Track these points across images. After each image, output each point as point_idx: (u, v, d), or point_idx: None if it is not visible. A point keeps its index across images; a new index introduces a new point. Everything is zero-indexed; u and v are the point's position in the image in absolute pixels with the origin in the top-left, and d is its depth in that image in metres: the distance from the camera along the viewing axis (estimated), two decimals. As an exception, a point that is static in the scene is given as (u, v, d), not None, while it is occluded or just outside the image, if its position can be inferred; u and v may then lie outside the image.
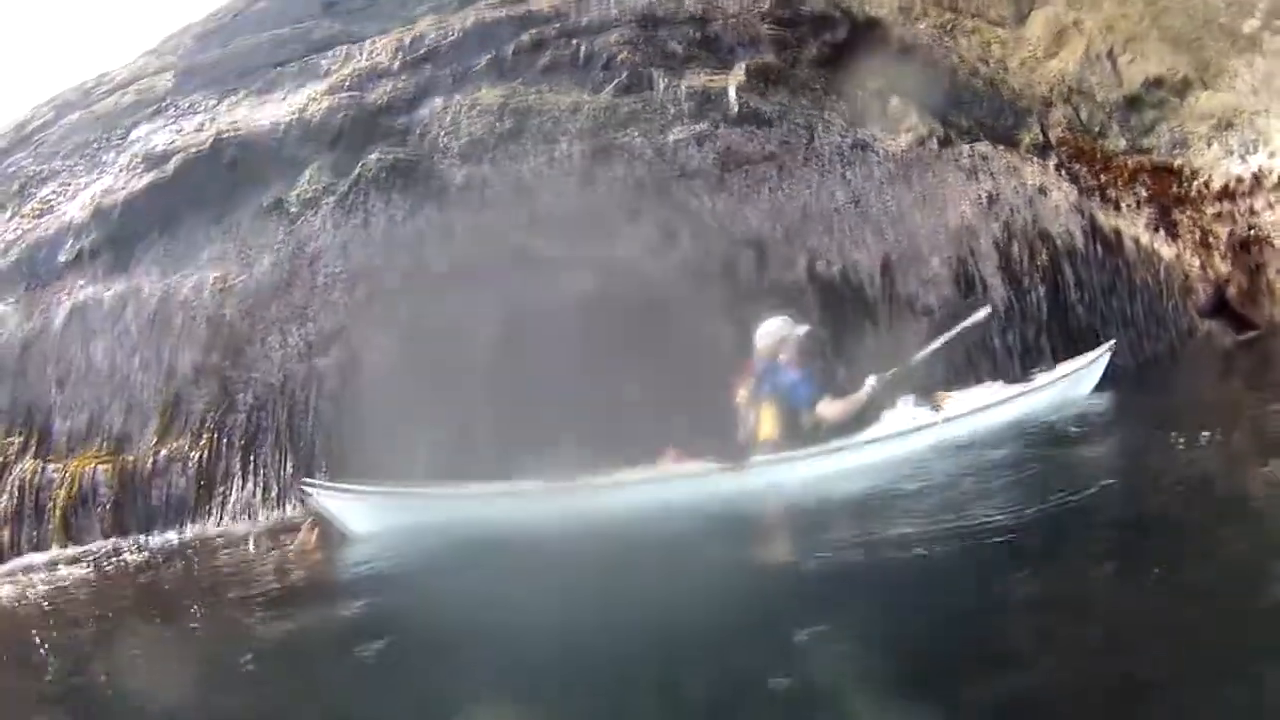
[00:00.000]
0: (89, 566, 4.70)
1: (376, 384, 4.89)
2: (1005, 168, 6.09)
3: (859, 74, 6.09)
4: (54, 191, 7.38)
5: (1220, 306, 7.29)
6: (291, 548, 4.20)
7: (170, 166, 6.25)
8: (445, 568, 3.39)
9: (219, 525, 4.94)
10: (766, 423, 4.25)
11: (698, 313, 4.87)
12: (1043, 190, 6.20)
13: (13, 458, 5.82)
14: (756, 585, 2.55)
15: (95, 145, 7.43)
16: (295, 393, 5.05)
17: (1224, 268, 7.14)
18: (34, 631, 3.37)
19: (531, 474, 4.34)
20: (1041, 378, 4.78)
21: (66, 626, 3.51)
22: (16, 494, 5.58)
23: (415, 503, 3.92)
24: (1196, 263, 7.06)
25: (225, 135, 6.17)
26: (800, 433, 4.22)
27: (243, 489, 4.88)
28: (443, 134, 5.43)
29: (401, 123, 5.60)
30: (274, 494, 4.78)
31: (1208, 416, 3.91)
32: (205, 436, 5.16)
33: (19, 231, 7.13)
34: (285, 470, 4.84)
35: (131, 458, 5.25)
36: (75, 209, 6.81)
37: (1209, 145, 7.26)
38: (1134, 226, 6.82)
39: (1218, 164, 7.21)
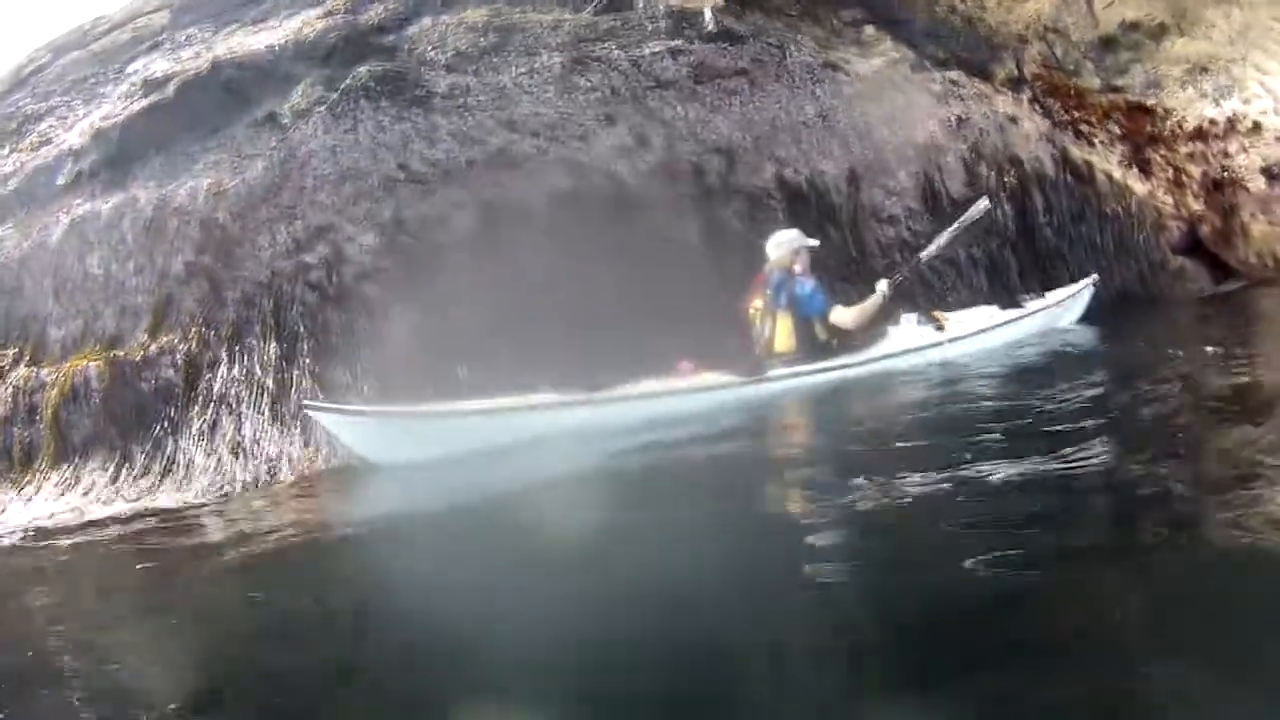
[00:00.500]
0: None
1: (359, 276, 5.27)
2: (976, 94, 6.48)
3: (834, 2, 6.51)
4: (51, 125, 7.84)
5: (1194, 245, 7.64)
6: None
7: (170, 89, 6.68)
8: (464, 519, 3.05)
9: (204, 414, 5.31)
10: (782, 334, 4.40)
11: (666, 212, 5.26)
12: (1014, 119, 6.58)
13: (7, 367, 6.23)
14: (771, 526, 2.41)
15: (93, 80, 7.90)
16: (282, 287, 5.43)
17: (1197, 206, 7.50)
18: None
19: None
20: (1033, 304, 5.13)
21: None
22: (10, 400, 5.96)
23: (432, 424, 3.85)
24: (1169, 200, 7.42)
25: (223, 59, 6.61)
26: (816, 343, 4.37)
27: (228, 375, 5.25)
28: (430, 49, 5.86)
29: (391, 40, 6.04)
30: (257, 378, 5.15)
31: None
32: (194, 330, 5.54)
33: (18, 164, 7.58)
34: (269, 355, 5.21)
35: (122, 352, 5.64)
36: (74, 136, 7.26)
37: (1183, 88, 7.64)
38: (1106, 162, 7.19)
39: (1191, 106, 7.58)
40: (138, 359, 5.57)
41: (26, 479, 5.42)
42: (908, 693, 1.35)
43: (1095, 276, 5.84)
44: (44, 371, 6.04)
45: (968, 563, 1.72)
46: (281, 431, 4.87)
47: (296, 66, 6.18)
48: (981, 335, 4.75)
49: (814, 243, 4.65)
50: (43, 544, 4.09)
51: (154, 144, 6.61)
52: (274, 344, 5.22)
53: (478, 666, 1.67)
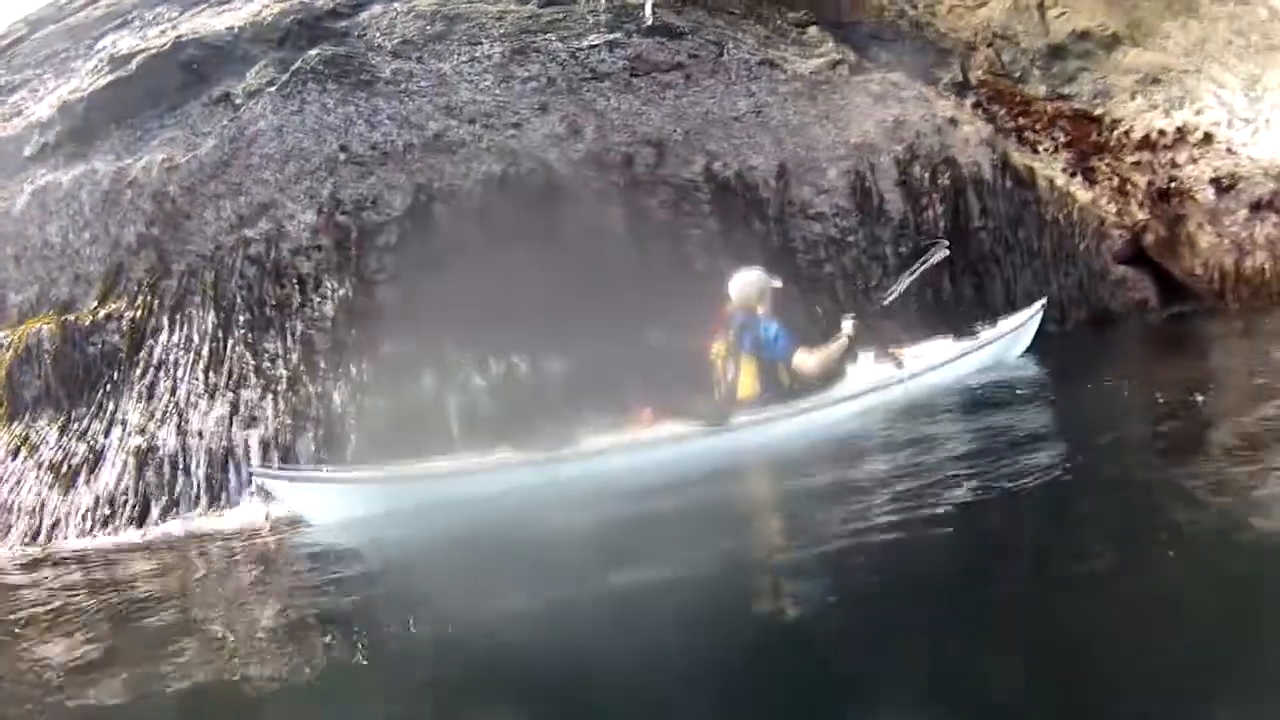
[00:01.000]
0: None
1: (295, 251, 5.64)
2: (916, 97, 6.79)
3: (781, 3, 6.83)
4: (23, 97, 8.24)
5: (1137, 254, 7.92)
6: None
7: (133, 65, 7.06)
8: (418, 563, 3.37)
9: (144, 379, 5.68)
10: (746, 379, 4.30)
11: (594, 200, 5.60)
12: (953, 121, 6.88)
13: (-35, 331, 6.62)
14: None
15: (64, 55, 8.29)
16: (224, 259, 5.80)
17: (1141, 215, 7.78)
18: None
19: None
20: (985, 334, 5.26)
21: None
22: (-33, 362, 6.34)
23: (378, 488, 3.90)
24: (1113, 209, 7.70)
25: (184, 37, 6.98)
26: (780, 388, 4.30)
27: (169, 342, 5.63)
28: (378, 34, 6.22)
29: (344, 25, 6.40)
30: (194, 345, 5.53)
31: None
32: (140, 299, 5.92)
33: (-10, 134, 7.97)
34: (207, 325, 5.58)
35: (73, 316, 6.02)
36: (43, 109, 7.65)
37: (1133, 98, 7.92)
38: (1049, 169, 7.48)
39: (1140, 116, 7.87)
40: (87, 324, 5.95)
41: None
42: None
43: (1044, 300, 5.94)
44: (1, 334, 6.44)
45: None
46: (210, 400, 5.24)
47: (254, 48, 6.55)
48: (938, 370, 4.85)
49: (778, 283, 4.62)
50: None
51: (115, 118, 6.99)
52: (212, 314, 5.59)
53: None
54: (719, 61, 6.19)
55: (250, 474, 4.66)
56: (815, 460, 3.92)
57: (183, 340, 5.59)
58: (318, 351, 5.23)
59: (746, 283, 4.48)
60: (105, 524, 4.84)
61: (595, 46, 6.00)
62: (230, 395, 5.29)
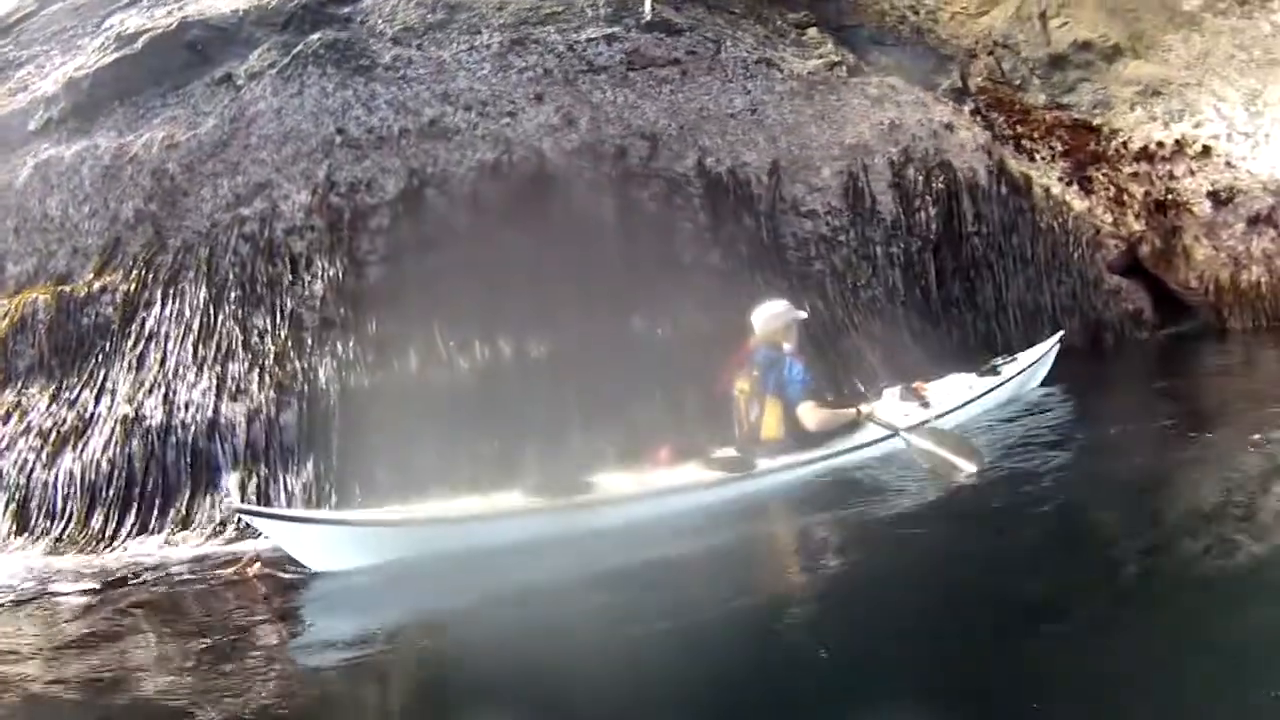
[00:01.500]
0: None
1: (288, 231, 5.82)
2: (914, 101, 6.95)
3: (782, 3, 7.01)
4: (30, 72, 8.48)
5: (1132, 265, 8.05)
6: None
7: (139, 44, 7.28)
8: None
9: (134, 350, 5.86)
10: (771, 420, 4.16)
11: (585, 190, 5.77)
12: (950, 127, 7.04)
13: (-37, 301, 6.82)
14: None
15: (72, 32, 8.53)
16: (219, 237, 6.00)
17: (1137, 226, 7.91)
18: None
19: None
20: (1007, 369, 5.33)
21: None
22: (-36, 330, 6.54)
23: (380, 533, 3.62)
24: (1109, 219, 7.84)
25: (190, 18, 7.20)
26: (803, 431, 4.17)
27: (160, 314, 5.81)
28: (380, 21, 6.43)
29: (346, 11, 6.60)
30: (185, 319, 5.72)
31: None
32: (135, 272, 6.11)
33: (-5, 109, 8.20)
34: (199, 300, 5.77)
35: (69, 288, 6.21)
36: (49, 84, 7.88)
37: (1132, 109, 8.07)
38: (1046, 177, 7.63)
39: (1139, 127, 8.01)
40: (82, 295, 6.15)
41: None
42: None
43: (1061, 333, 6.03)
44: (-1, 304, 6.64)
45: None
46: (198, 373, 5.41)
47: (257, 31, 6.76)
48: (963, 409, 4.84)
49: (804, 314, 4.53)
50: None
51: (119, 96, 7.21)
52: (204, 289, 5.78)
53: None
54: (716, 59, 6.37)
55: (235, 511, 4.38)
56: (840, 502, 3.84)
57: (174, 314, 5.77)
58: (306, 329, 5.40)
59: (772, 315, 4.32)
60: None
61: (593, 40, 6.19)
62: (218, 369, 5.47)
